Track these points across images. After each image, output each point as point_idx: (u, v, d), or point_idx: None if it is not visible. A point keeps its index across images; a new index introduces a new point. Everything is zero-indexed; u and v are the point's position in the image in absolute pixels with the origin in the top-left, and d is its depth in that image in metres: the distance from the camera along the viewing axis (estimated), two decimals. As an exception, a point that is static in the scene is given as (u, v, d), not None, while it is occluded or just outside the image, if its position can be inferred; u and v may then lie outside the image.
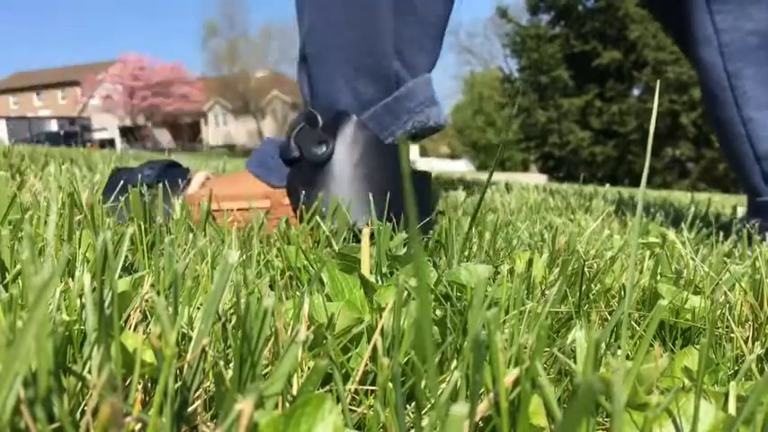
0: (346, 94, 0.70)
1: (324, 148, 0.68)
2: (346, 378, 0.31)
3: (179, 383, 0.23)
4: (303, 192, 0.67)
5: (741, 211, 1.24)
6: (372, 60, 0.70)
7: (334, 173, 0.67)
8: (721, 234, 0.86)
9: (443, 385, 0.31)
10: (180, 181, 0.80)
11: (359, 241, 0.50)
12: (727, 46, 0.90)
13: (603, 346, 0.34)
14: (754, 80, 0.89)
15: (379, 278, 0.46)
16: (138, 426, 0.23)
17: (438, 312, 0.36)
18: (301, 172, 0.69)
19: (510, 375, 0.23)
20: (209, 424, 0.26)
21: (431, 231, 0.68)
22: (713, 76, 0.92)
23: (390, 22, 0.69)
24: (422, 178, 0.73)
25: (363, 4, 0.69)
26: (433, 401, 0.24)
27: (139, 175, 0.78)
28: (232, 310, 0.34)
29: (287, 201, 0.69)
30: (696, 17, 0.92)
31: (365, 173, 0.67)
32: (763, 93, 0.89)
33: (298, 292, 0.44)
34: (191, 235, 0.53)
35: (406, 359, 0.32)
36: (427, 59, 0.75)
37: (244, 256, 0.45)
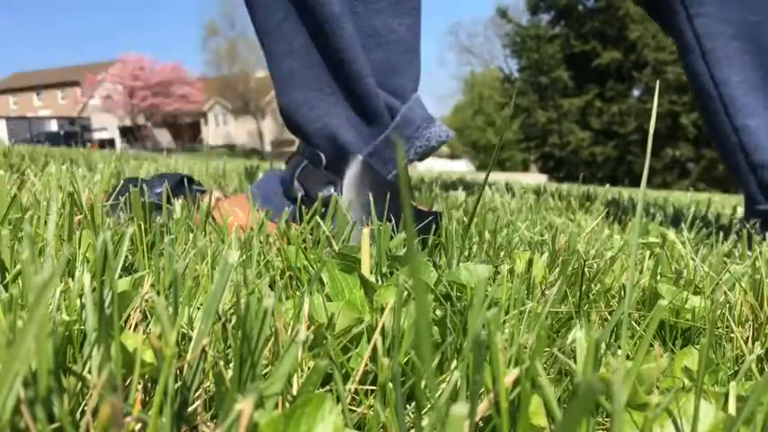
0: (345, 132, 0.69)
1: (331, 189, 0.67)
2: (346, 378, 0.31)
3: (179, 383, 0.23)
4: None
5: (741, 211, 1.25)
6: (359, 99, 0.69)
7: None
8: (721, 234, 0.86)
9: (443, 385, 0.31)
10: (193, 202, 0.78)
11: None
12: (711, 53, 0.88)
13: (603, 346, 0.34)
14: (742, 87, 0.87)
15: (379, 278, 0.46)
16: (138, 426, 0.23)
17: (438, 312, 0.36)
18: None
19: (510, 375, 0.23)
20: (209, 424, 0.26)
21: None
22: (700, 85, 0.90)
23: (363, 57, 0.68)
24: (430, 216, 0.72)
25: (332, 46, 0.67)
26: (433, 401, 0.24)
27: (150, 193, 0.76)
28: (232, 310, 0.34)
29: None
30: (676, 23, 0.90)
31: (375, 215, 0.67)
32: (754, 99, 0.87)
33: (298, 292, 0.44)
34: (191, 235, 0.53)
35: (406, 359, 0.32)
36: (409, 79, 0.74)
37: (244, 256, 0.45)
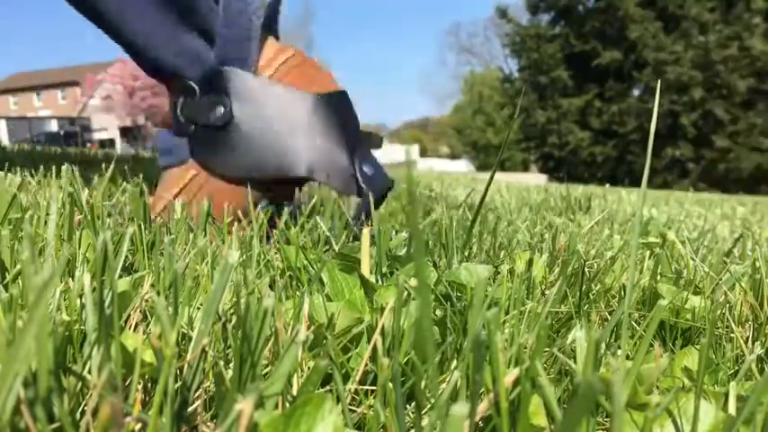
0: (190, 43, 0.66)
1: (221, 110, 0.64)
2: (346, 378, 0.31)
3: (179, 383, 0.23)
4: (220, 158, 0.65)
5: (741, 210, 1.24)
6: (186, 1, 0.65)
7: (246, 129, 0.64)
8: (720, 234, 0.86)
9: (443, 385, 0.31)
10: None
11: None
12: None
13: (603, 346, 0.34)
14: None
15: (379, 278, 0.46)
16: (138, 426, 0.23)
17: (438, 312, 0.36)
18: (207, 139, 0.65)
19: (510, 375, 0.23)
20: (209, 424, 0.26)
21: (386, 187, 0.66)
22: None
23: None
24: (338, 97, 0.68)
25: None
26: (433, 401, 0.24)
27: None
28: (232, 310, 0.34)
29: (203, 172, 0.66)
30: None
31: (272, 115, 0.65)
32: None
33: (298, 292, 0.44)
34: (191, 235, 0.53)
35: (406, 359, 0.32)
36: None
37: (244, 256, 0.45)
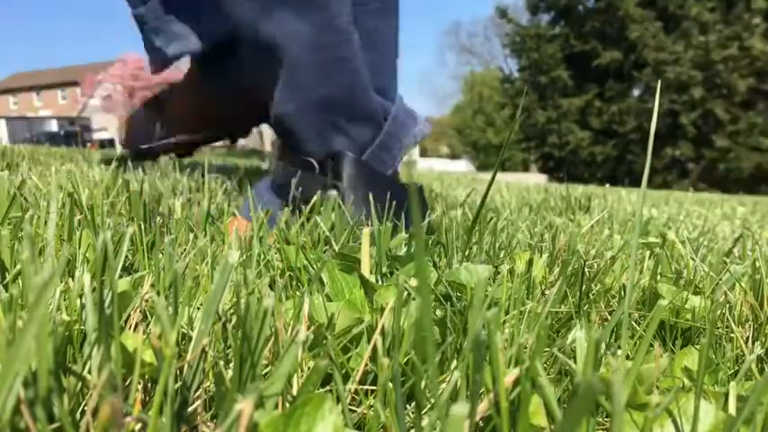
0: (340, 141, 0.70)
1: (333, 193, 0.67)
2: (346, 378, 0.31)
3: (179, 383, 0.23)
4: None
5: (741, 210, 1.24)
6: (358, 104, 0.70)
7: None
8: (720, 234, 0.86)
9: (443, 385, 0.31)
10: None
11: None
12: None
13: (603, 346, 0.34)
14: None
15: (379, 278, 0.46)
16: (138, 426, 0.23)
17: (438, 312, 0.36)
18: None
19: (510, 375, 0.23)
20: (209, 424, 0.26)
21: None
22: None
23: (362, 62, 0.69)
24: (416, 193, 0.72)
25: (339, 57, 0.68)
26: (433, 401, 0.24)
27: None
28: (232, 310, 0.34)
29: None
30: None
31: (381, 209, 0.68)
32: None
33: (298, 292, 0.44)
34: (191, 235, 0.53)
35: (406, 359, 0.32)
36: (392, 77, 0.76)
37: (244, 256, 0.45)
